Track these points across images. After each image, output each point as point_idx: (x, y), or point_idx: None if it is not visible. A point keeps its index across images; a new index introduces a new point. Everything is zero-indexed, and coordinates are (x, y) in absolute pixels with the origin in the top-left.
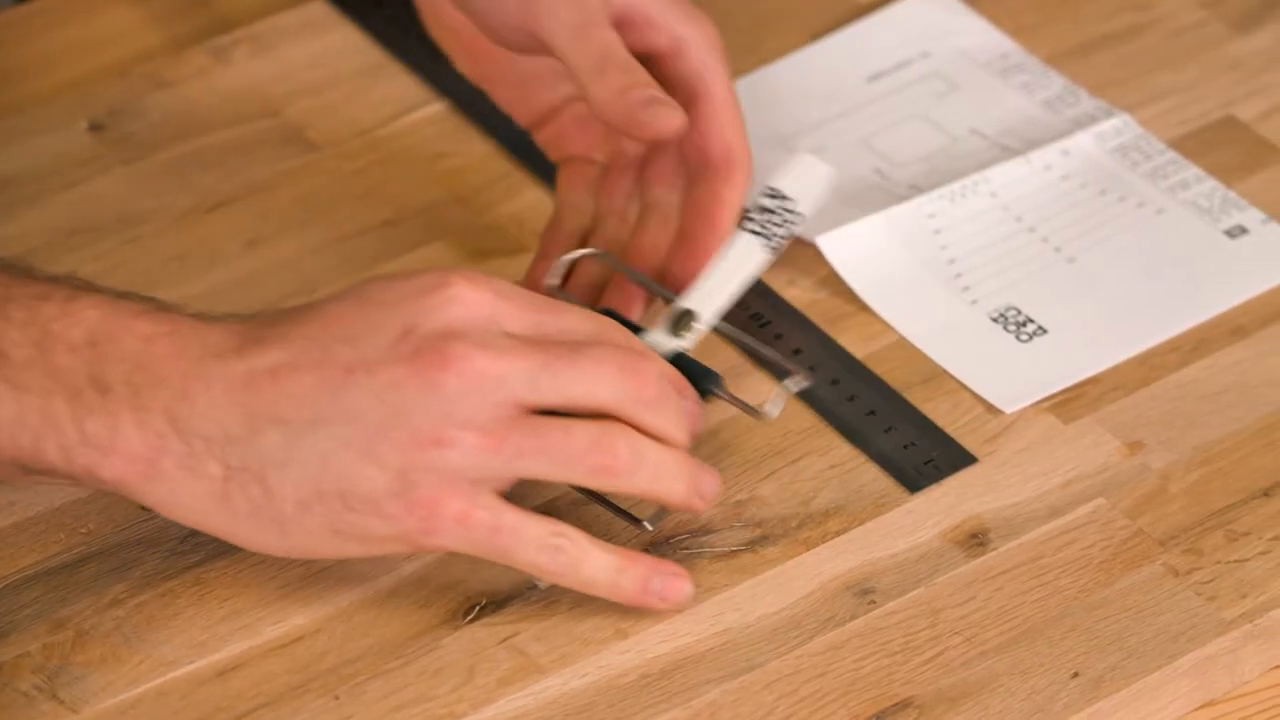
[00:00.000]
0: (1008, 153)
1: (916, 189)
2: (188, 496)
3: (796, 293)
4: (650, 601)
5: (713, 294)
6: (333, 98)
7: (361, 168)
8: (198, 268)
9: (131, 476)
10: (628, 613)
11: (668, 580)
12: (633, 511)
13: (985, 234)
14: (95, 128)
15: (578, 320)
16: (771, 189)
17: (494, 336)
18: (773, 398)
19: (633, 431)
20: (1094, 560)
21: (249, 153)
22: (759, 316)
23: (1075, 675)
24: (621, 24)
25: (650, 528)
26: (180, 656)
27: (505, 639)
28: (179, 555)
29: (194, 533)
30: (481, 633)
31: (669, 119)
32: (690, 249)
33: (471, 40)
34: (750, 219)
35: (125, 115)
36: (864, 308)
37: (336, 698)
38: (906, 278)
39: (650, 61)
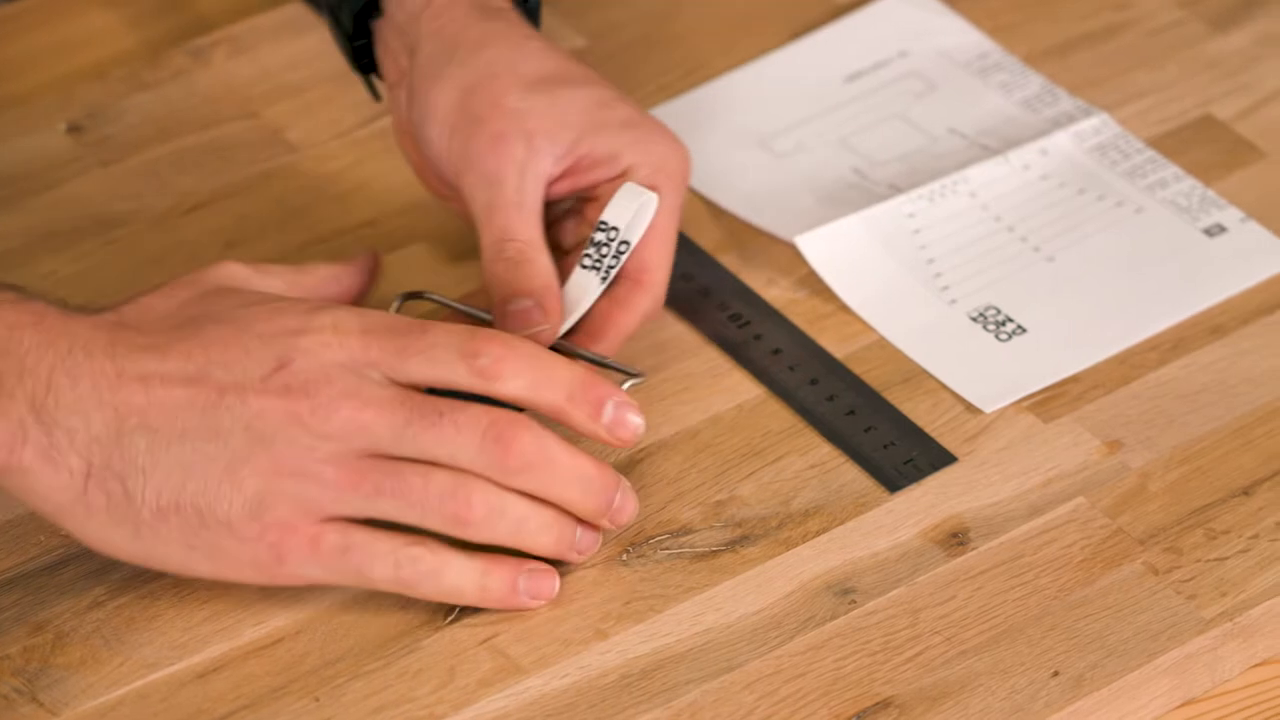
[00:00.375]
0: (986, 152)
1: (895, 189)
2: (44, 488)
3: (776, 293)
4: (521, 601)
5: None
6: (311, 99)
7: (340, 169)
8: (177, 269)
9: None
10: (608, 614)
11: (535, 578)
12: (626, 367)
13: (964, 233)
14: (74, 129)
15: (443, 342)
16: (601, 223)
17: (364, 384)
18: None
19: (491, 486)
20: (1074, 559)
21: (228, 154)
22: (738, 316)
23: (1055, 674)
24: (571, 172)
25: (642, 377)
26: (161, 658)
27: (485, 640)
28: None
29: None
30: (462, 634)
31: (527, 326)
32: (589, 331)
33: (428, 173)
34: (586, 254)
35: (104, 117)
36: (843, 307)
37: (317, 699)
38: (886, 277)
39: (603, 184)
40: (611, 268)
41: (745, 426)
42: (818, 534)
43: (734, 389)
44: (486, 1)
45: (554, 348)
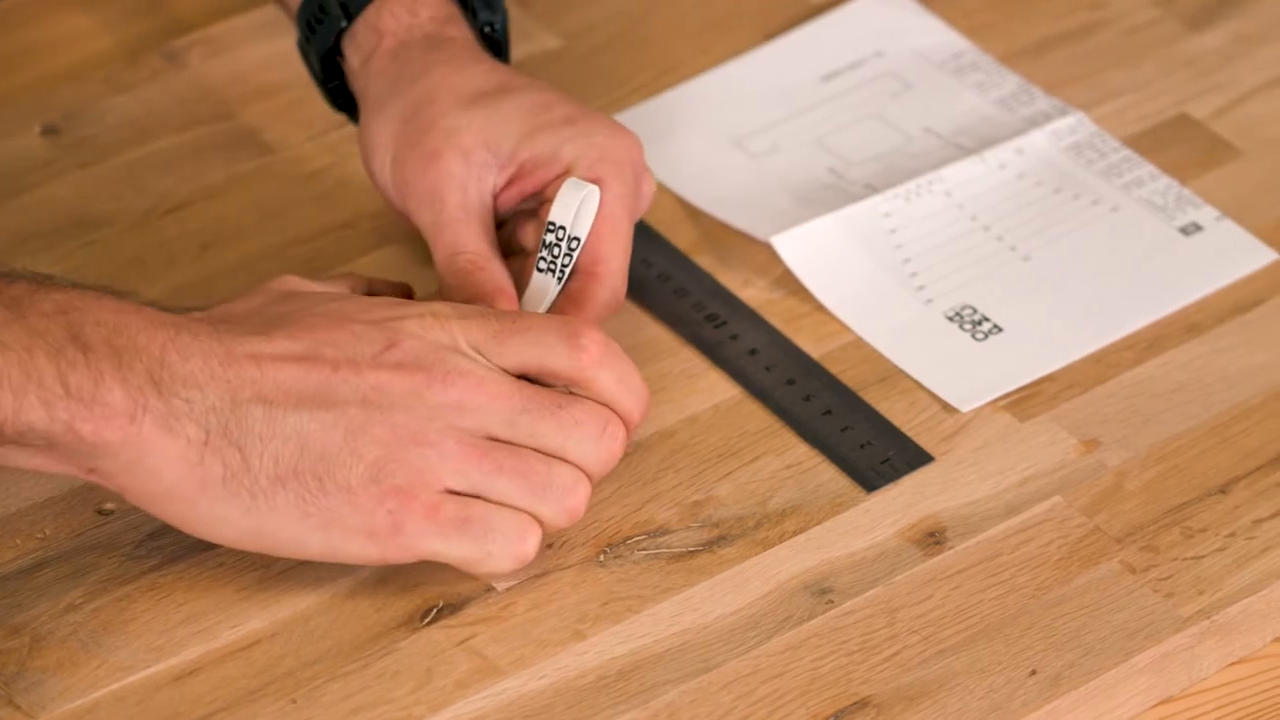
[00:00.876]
0: (962, 151)
1: (871, 188)
2: (159, 459)
3: (752, 293)
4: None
5: None
6: (287, 100)
7: (317, 170)
8: (155, 271)
9: (109, 432)
10: (585, 614)
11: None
12: None
13: (940, 233)
14: (50, 132)
15: (547, 349)
16: (549, 224)
17: (475, 365)
18: None
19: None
20: (1051, 558)
21: (205, 156)
22: (714, 317)
23: (1033, 673)
24: (516, 178)
25: None
26: (137, 661)
27: (463, 641)
28: (135, 560)
29: (151, 536)
30: (439, 635)
31: None
32: None
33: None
34: (540, 258)
35: (81, 119)
36: (819, 307)
37: (294, 701)
38: (862, 277)
39: (551, 182)
40: (565, 266)
41: (722, 427)
42: (795, 534)
43: (711, 389)
44: (436, 33)
45: None
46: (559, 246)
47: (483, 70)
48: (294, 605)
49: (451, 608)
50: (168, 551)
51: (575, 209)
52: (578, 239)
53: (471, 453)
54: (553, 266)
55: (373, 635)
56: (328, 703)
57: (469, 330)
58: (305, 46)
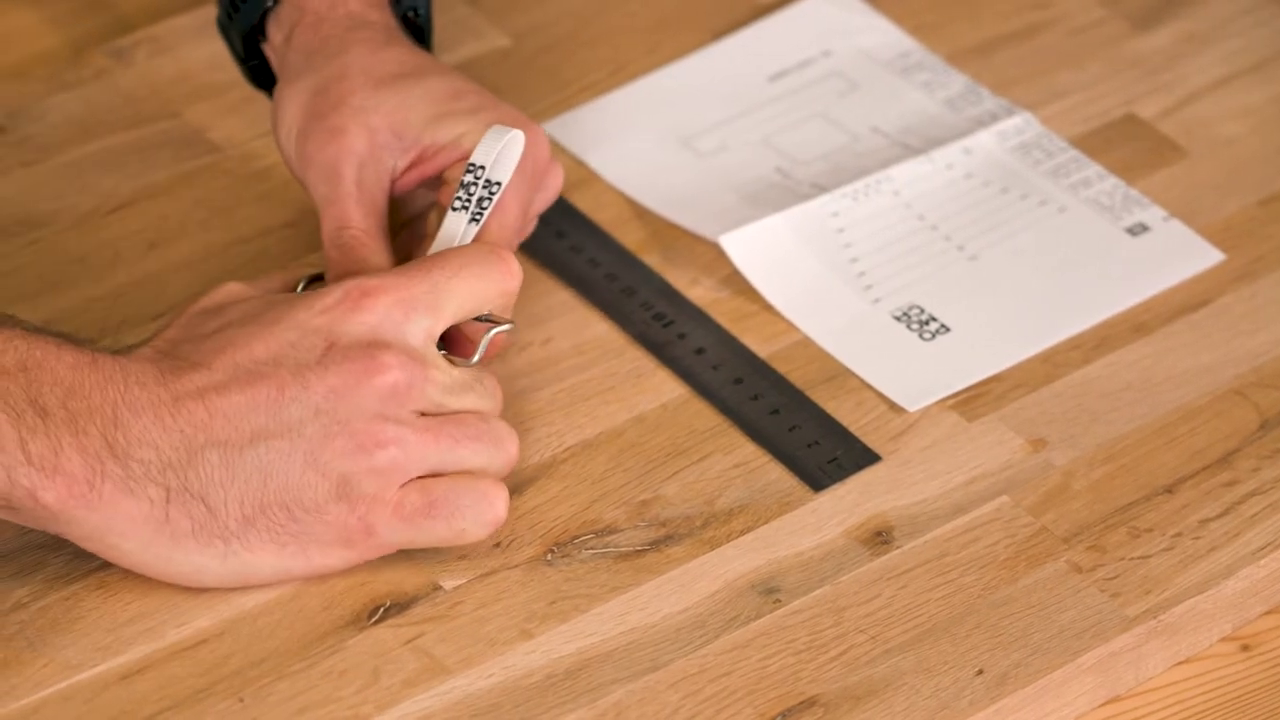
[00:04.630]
0: (909, 151)
1: (819, 188)
2: (126, 520)
3: (700, 292)
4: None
5: None
6: (233, 99)
7: (263, 169)
8: (100, 270)
9: (71, 501)
10: (533, 614)
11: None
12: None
13: (888, 232)
14: None
15: (471, 274)
16: (470, 165)
17: (410, 345)
18: (479, 350)
19: None
20: (998, 558)
21: (150, 154)
22: (662, 316)
23: (980, 672)
24: (417, 162)
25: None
26: (84, 660)
27: (410, 640)
28: (82, 558)
29: None
30: (386, 634)
31: None
32: None
33: None
34: (458, 197)
35: (25, 117)
36: (767, 307)
37: (241, 700)
38: (809, 276)
39: (452, 170)
40: (481, 207)
41: (669, 426)
42: (742, 533)
43: (658, 389)
44: (359, 14)
45: None
46: (475, 187)
47: (398, 54)
48: (241, 604)
49: (399, 607)
50: None
51: (496, 152)
52: (498, 183)
53: (428, 437)
54: (467, 205)
55: (320, 634)
56: (275, 702)
57: (401, 294)
58: (226, 24)
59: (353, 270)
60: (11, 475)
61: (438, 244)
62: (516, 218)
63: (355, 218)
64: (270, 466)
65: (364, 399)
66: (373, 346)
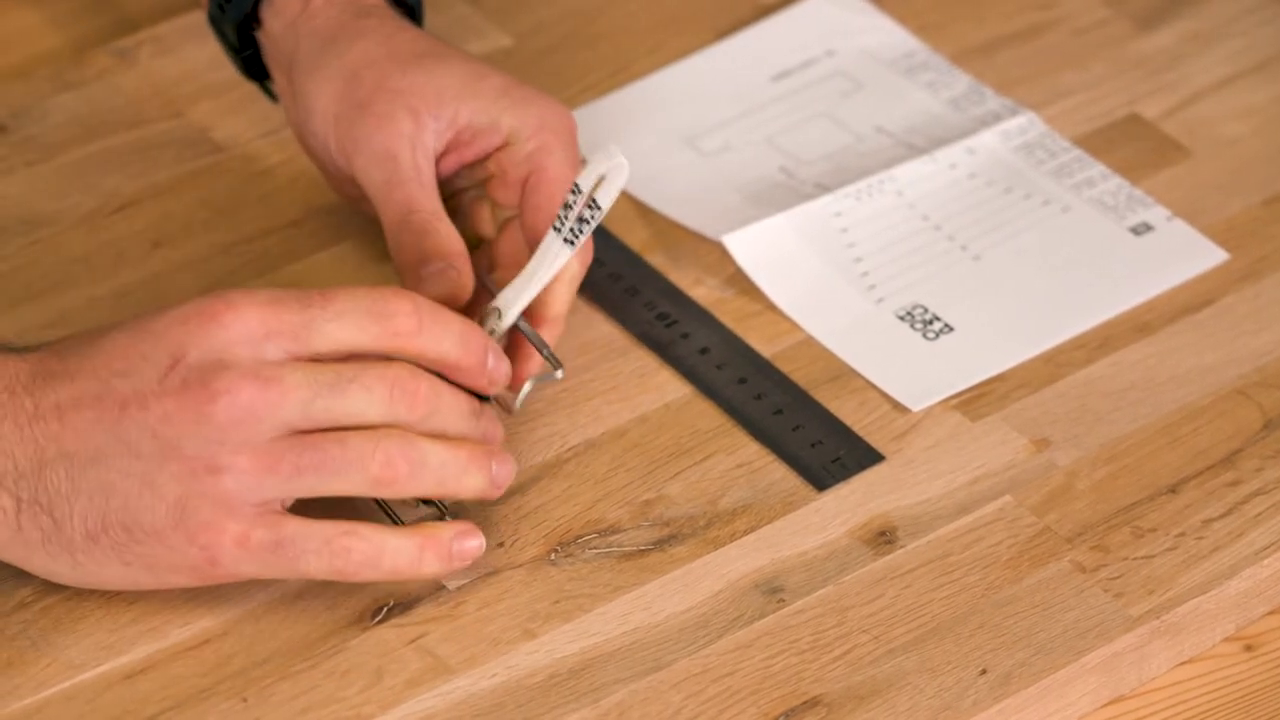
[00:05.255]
0: (913, 151)
1: (822, 188)
2: None
3: (703, 291)
4: (456, 565)
5: (518, 293)
6: (237, 99)
7: (266, 169)
8: (103, 270)
9: None
10: (536, 613)
11: (463, 539)
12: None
13: (891, 232)
14: None
15: (352, 310)
16: (575, 186)
17: (263, 364)
18: (521, 395)
19: (410, 435)
20: (1001, 557)
21: (153, 154)
22: (665, 316)
23: (983, 672)
24: (454, 145)
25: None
26: (87, 660)
27: (413, 640)
28: None
29: None
30: (389, 634)
31: (445, 288)
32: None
33: (333, 175)
34: (557, 217)
35: (28, 117)
36: (770, 306)
37: (244, 700)
38: (813, 276)
39: (493, 156)
40: (577, 230)
41: (673, 426)
42: (745, 533)
43: (661, 388)
44: (359, 2)
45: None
46: (573, 209)
47: (413, 37)
48: (244, 604)
49: (402, 606)
50: None
51: (599, 175)
52: (599, 207)
53: (265, 463)
54: (560, 227)
55: (323, 634)
56: (278, 702)
57: (266, 322)
58: (219, 17)
59: (427, 256)
60: None
61: (533, 262)
62: (561, 188)
63: (422, 201)
64: (111, 485)
65: (198, 425)
66: (215, 369)
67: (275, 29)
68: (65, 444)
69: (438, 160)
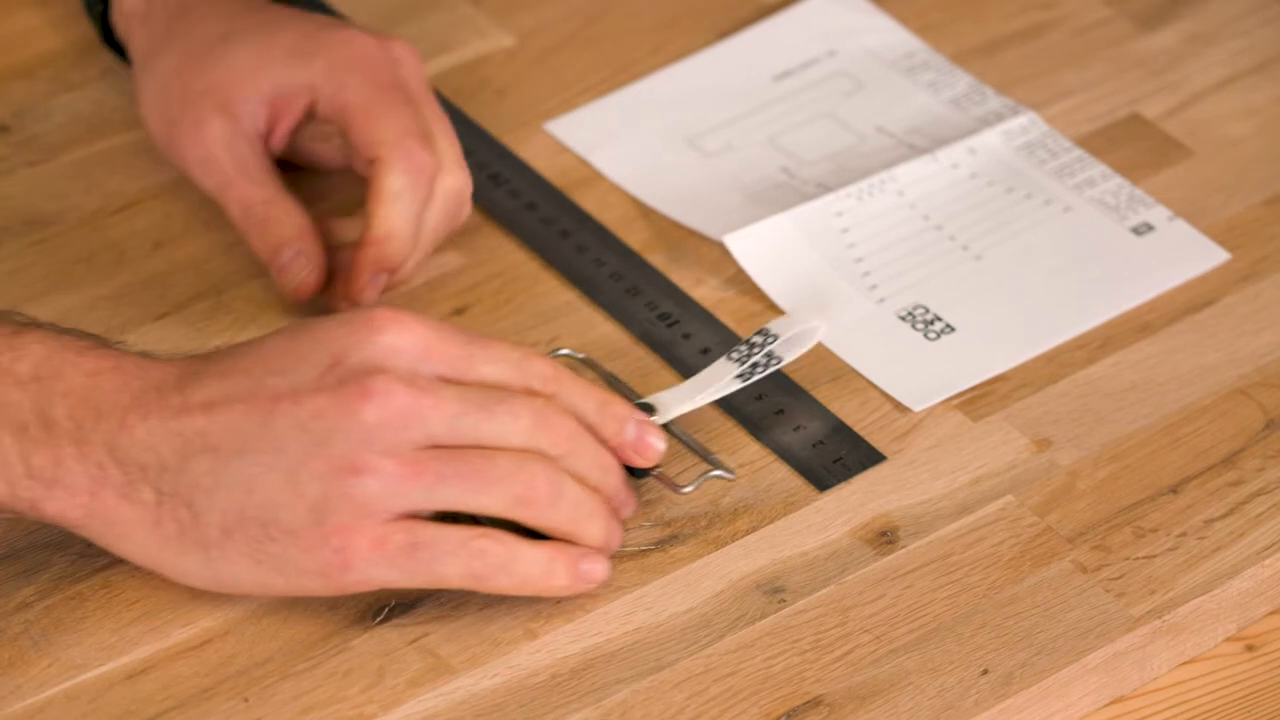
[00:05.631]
0: (915, 151)
1: (824, 187)
2: (123, 524)
3: (704, 291)
4: (581, 585)
5: (677, 400)
6: None
7: None
8: (105, 270)
9: (72, 510)
10: (538, 613)
11: (592, 560)
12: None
13: (892, 232)
14: (0, 129)
15: (504, 354)
16: (764, 329)
17: (418, 375)
18: (695, 478)
19: (553, 465)
20: (1003, 557)
21: (154, 154)
22: (667, 316)
23: (985, 672)
24: (276, 117)
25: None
26: (89, 659)
27: (415, 640)
28: (87, 558)
29: None
30: (391, 634)
31: (297, 275)
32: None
33: None
34: (738, 348)
35: (30, 117)
36: (772, 306)
37: (246, 700)
38: (814, 276)
39: (317, 109)
40: (752, 370)
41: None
42: (747, 533)
43: (663, 389)
44: None
45: (665, 427)
46: (758, 349)
47: (212, 20)
48: (246, 603)
49: (404, 606)
50: None
51: (793, 331)
52: (780, 359)
53: (410, 470)
54: (741, 360)
55: (325, 634)
56: (280, 701)
57: (429, 343)
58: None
59: (275, 241)
60: (14, 489)
61: (703, 375)
62: (388, 111)
63: (254, 192)
64: (253, 480)
65: (349, 425)
66: (373, 372)
67: (129, 6)
68: (211, 438)
69: (269, 136)
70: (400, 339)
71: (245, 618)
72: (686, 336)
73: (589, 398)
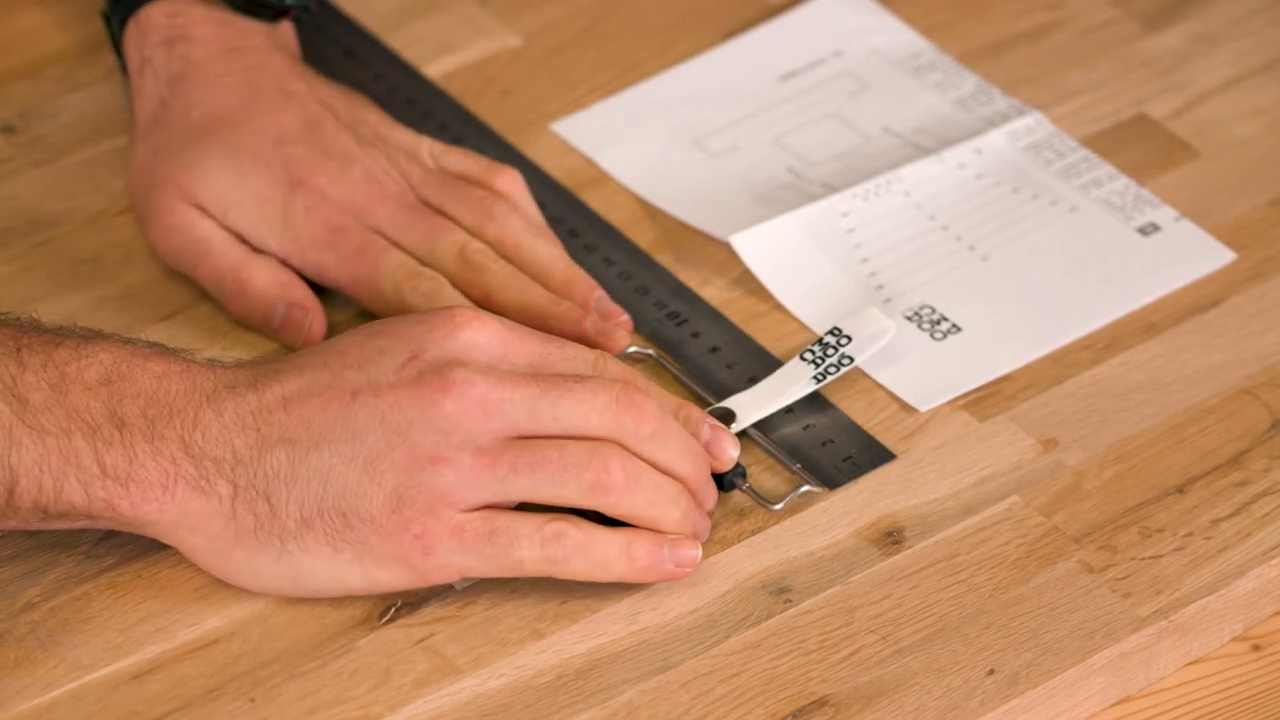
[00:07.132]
0: (921, 151)
1: (830, 188)
2: (196, 517)
3: (712, 291)
4: (668, 570)
5: (754, 405)
6: None
7: None
8: (111, 270)
9: (147, 506)
10: (544, 614)
11: (679, 546)
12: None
13: (899, 232)
14: (6, 130)
15: (579, 354)
16: (836, 329)
17: (496, 367)
18: (788, 498)
19: (627, 453)
20: (1009, 558)
21: None
22: (675, 315)
23: (991, 672)
24: None
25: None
26: (95, 660)
27: (421, 640)
28: (93, 559)
29: (109, 535)
30: (397, 634)
31: (296, 333)
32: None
33: None
34: (810, 349)
35: (36, 117)
36: (778, 306)
37: (252, 700)
38: (821, 276)
39: None
40: (828, 371)
41: None
42: (753, 533)
43: (671, 387)
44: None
45: (741, 434)
46: (834, 350)
47: (196, 105)
48: (252, 604)
49: (410, 606)
50: (126, 550)
51: (867, 334)
52: (852, 358)
53: (486, 461)
54: (817, 362)
55: (331, 634)
56: (285, 702)
57: (509, 342)
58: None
59: (261, 306)
60: (89, 490)
61: (776, 379)
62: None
63: (221, 261)
64: (331, 471)
65: (428, 415)
66: (452, 365)
67: (145, 38)
68: (289, 430)
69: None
70: (479, 336)
71: (251, 618)
72: (695, 335)
73: (664, 399)
